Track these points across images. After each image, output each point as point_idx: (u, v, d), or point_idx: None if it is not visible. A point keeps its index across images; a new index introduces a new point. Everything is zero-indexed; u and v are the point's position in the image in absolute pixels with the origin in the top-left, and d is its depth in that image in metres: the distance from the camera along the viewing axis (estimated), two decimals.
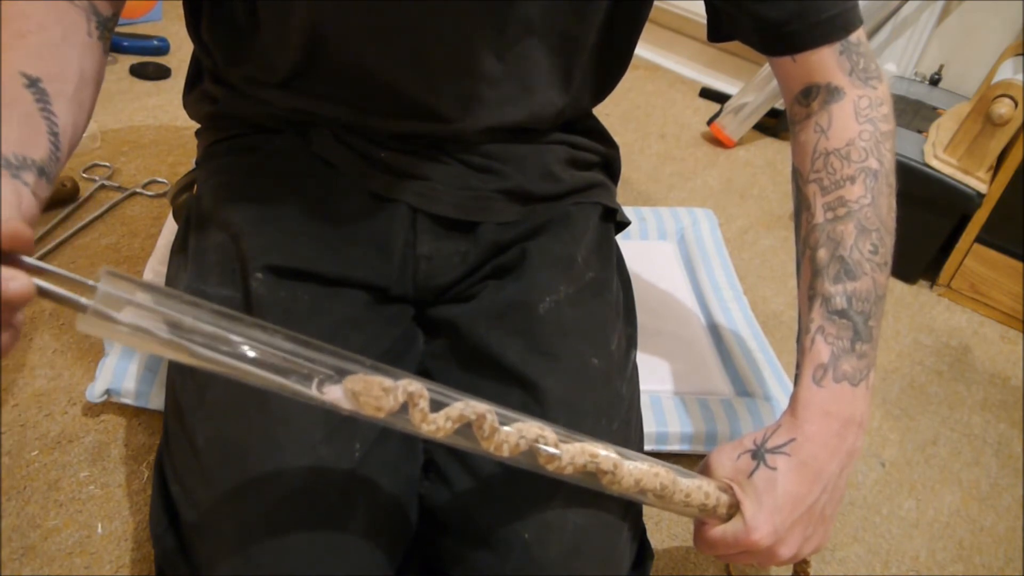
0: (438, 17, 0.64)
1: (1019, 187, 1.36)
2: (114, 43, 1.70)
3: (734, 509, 0.62)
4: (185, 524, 0.62)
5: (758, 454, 0.62)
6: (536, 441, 0.52)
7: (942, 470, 1.11)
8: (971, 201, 1.40)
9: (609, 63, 0.77)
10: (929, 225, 1.47)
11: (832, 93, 0.70)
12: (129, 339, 0.44)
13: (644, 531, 0.71)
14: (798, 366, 0.66)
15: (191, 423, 0.63)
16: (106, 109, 1.51)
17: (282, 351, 0.46)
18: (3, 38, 0.52)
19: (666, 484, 0.58)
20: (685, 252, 1.31)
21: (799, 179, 0.72)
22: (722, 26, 0.75)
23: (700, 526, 0.64)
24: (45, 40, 0.54)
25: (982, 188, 1.39)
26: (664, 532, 0.93)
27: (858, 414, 0.63)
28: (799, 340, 0.68)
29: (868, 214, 0.69)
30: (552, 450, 0.53)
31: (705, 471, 0.65)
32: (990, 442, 1.18)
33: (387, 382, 0.48)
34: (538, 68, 0.71)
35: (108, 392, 0.90)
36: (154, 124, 1.50)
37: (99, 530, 0.81)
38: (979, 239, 1.43)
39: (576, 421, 0.63)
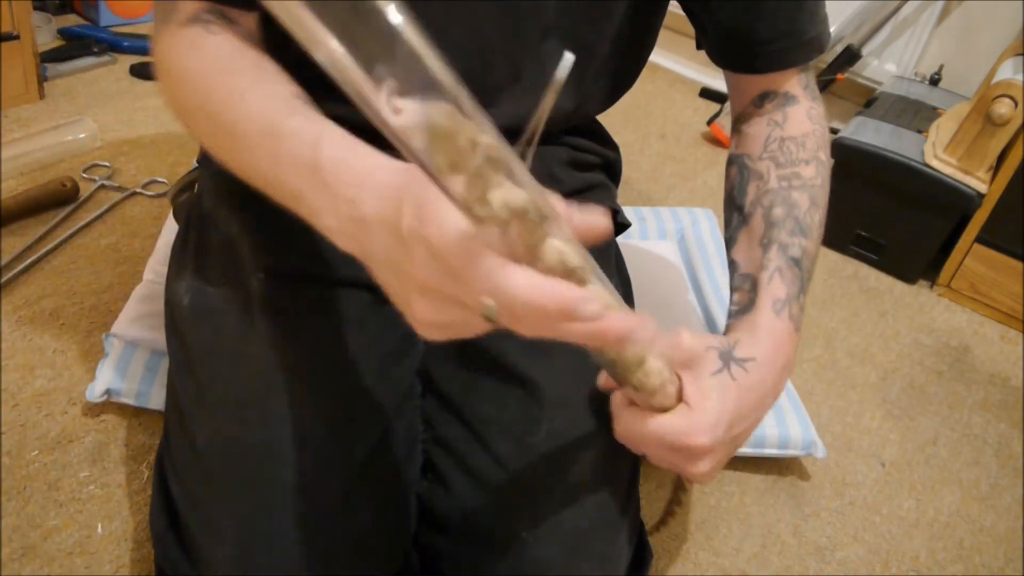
0: (456, 23, 0.64)
1: (1019, 187, 1.36)
2: (114, 43, 1.70)
3: (671, 402, 0.54)
4: (185, 524, 0.62)
5: (726, 356, 0.57)
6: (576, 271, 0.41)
7: (942, 470, 1.11)
8: (971, 201, 1.40)
9: (619, 73, 0.78)
10: (929, 225, 1.47)
11: (788, 99, 0.73)
12: None
13: (644, 531, 0.71)
14: (751, 298, 0.63)
15: (191, 423, 0.63)
16: (106, 109, 1.51)
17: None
18: (239, 84, 0.52)
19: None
20: (685, 252, 1.31)
21: (746, 159, 0.72)
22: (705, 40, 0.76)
23: (627, 408, 0.56)
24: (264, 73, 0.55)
25: (982, 188, 1.39)
26: (664, 532, 0.94)
27: (792, 359, 0.62)
28: (743, 279, 0.66)
29: (819, 194, 0.69)
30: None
31: (672, 343, 0.57)
32: (990, 442, 1.18)
33: (480, 136, 0.35)
34: (550, 74, 0.71)
35: (108, 392, 0.90)
36: (154, 124, 1.50)
37: (99, 530, 0.81)
38: (979, 239, 1.43)
39: (574, 419, 0.63)
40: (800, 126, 0.72)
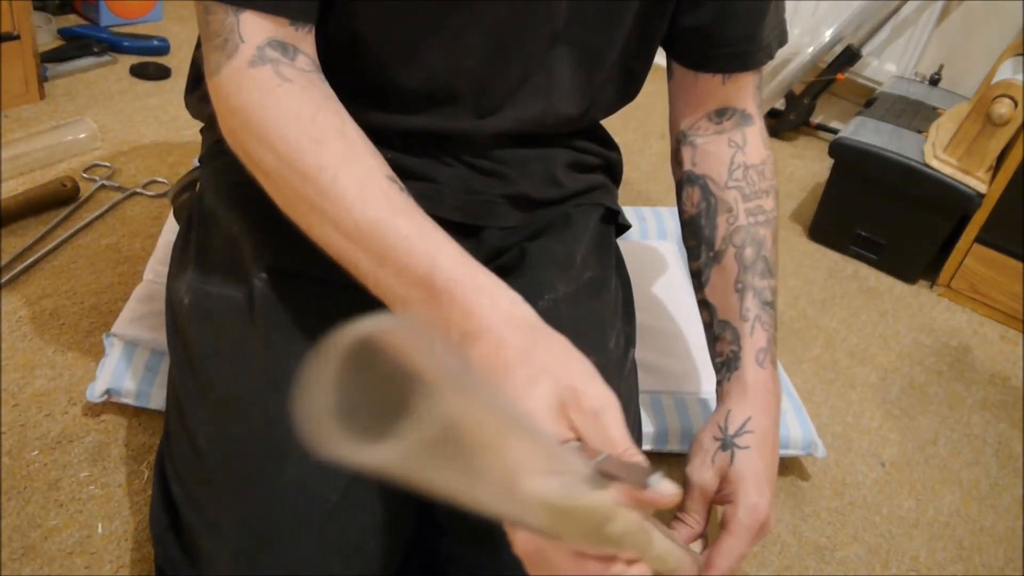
0: (470, 30, 0.64)
1: (1019, 187, 1.36)
2: (114, 43, 1.70)
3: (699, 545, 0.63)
4: (185, 524, 0.62)
5: (727, 443, 0.65)
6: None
7: (942, 470, 1.11)
8: (971, 201, 1.40)
9: (627, 79, 0.78)
10: (929, 225, 1.47)
11: (745, 118, 0.77)
12: None
13: None
14: (735, 352, 0.70)
15: (192, 423, 0.63)
16: (106, 109, 1.51)
17: None
18: (328, 160, 0.53)
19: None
20: (685, 252, 1.31)
21: (711, 185, 0.76)
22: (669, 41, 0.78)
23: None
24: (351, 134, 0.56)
25: (982, 188, 1.39)
26: None
27: (779, 395, 0.70)
28: (722, 326, 0.72)
29: (776, 227, 0.75)
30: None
31: (688, 488, 0.66)
32: (990, 442, 1.18)
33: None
34: (559, 80, 0.71)
35: (108, 392, 0.90)
36: (154, 124, 1.50)
37: (99, 530, 0.81)
38: (979, 239, 1.43)
39: None
40: (758, 151, 0.76)
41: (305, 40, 0.59)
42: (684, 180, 0.78)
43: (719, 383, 0.71)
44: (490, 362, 0.44)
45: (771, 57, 0.76)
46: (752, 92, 0.77)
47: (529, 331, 0.48)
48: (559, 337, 0.48)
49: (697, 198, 0.76)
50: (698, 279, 0.76)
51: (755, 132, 0.77)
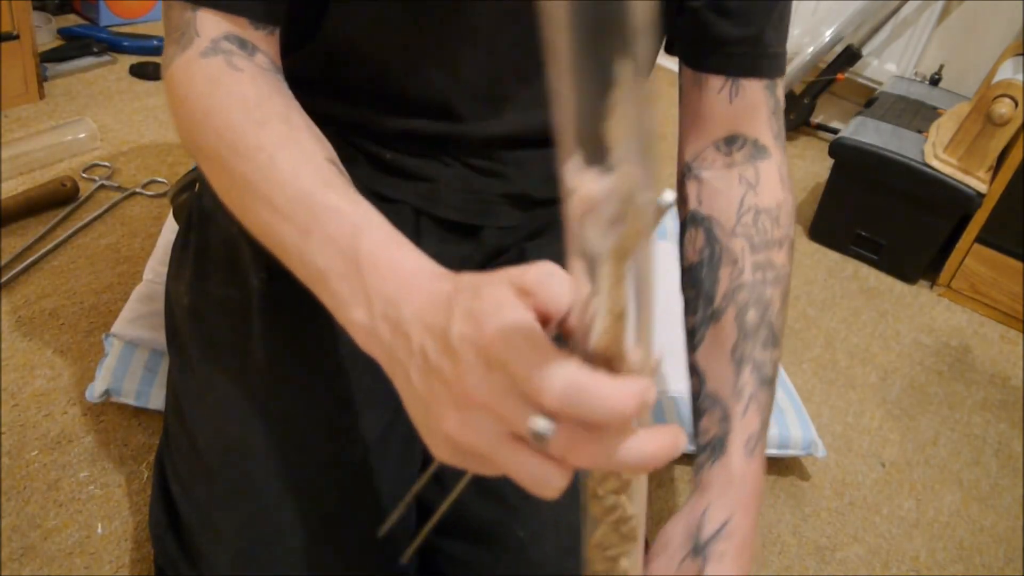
0: (471, 41, 0.64)
1: (1019, 187, 1.36)
2: (114, 43, 1.70)
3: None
4: (185, 524, 0.62)
5: (699, 549, 0.56)
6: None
7: (942, 470, 1.11)
8: (971, 201, 1.40)
9: None
10: (929, 225, 1.47)
11: (759, 150, 0.68)
12: None
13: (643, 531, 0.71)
14: (723, 432, 0.61)
15: (191, 423, 0.63)
16: (106, 109, 1.51)
17: None
18: (267, 140, 0.50)
19: None
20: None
21: (716, 229, 0.67)
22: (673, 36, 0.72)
23: None
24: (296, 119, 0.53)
25: (982, 188, 1.39)
26: None
27: (763, 487, 0.61)
28: (711, 401, 0.63)
29: (786, 285, 0.66)
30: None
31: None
32: (990, 442, 1.18)
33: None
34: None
35: (108, 392, 0.90)
36: (154, 124, 1.50)
37: (99, 530, 0.81)
38: (979, 239, 1.43)
39: None
40: (773, 193, 0.66)
41: (266, 41, 0.57)
42: (688, 220, 0.69)
43: (699, 466, 0.61)
44: (423, 319, 0.37)
45: (780, 73, 0.68)
46: (766, 118, 0.68)
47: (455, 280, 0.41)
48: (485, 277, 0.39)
49: (700, 243, 0.67)
50: (691, 338, 0.66)
51: (771, 169, 0.67)
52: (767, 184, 0.66)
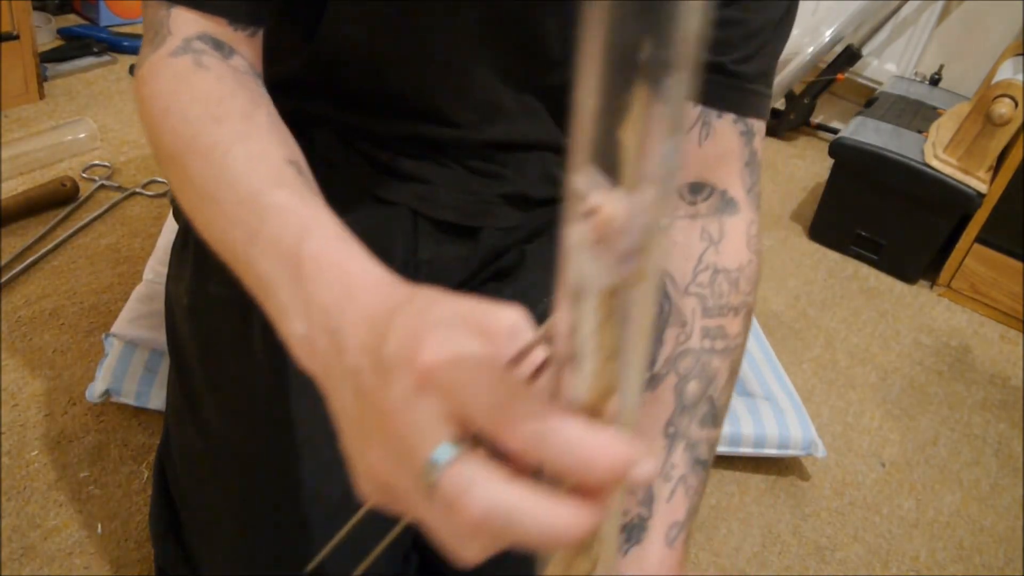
0: (469, 56, 0.64)
1: (1019, 187, 1.36)
2: (114, 43, 1.70)
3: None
4: (185, 524, 0.62)
5: None
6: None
7: (942, 470, 1.11)
8: (971, 201, 1.40)
9: None
10: (929, 225, 1.47)
11: (727, 203, 0.62)
12: None
13: None
14: (643, 517, 0.55)
15: (191, 423, 0.63)
16: (106, 109, 1.51)
17: None
18: (223, 137, 0.46)
19: None
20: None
21: (669, 284, 0.61)
22: None
23: None
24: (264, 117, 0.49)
25: (982, 188, 1.39)
26: None
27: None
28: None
29: (738, 358, 0.60)
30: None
31: None
32: (990, 442, 1.18)
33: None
34: (556, 100, 0.71)
35: (108, 392, 0.90)
36: None
37: (99, 530, 0.81)
38: (979, 239, 1.43)
39: None
40: (737, 253, 0.61)
41: (247, 43, 0.56)
42: None
43: None
44: (360, 332, 0.33)
45: (756, 113, 0.61)
46: (739, 169, 0.61)
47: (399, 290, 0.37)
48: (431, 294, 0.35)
49: None
50: None
51: (738, 226, 0.61)
52: (731, 242, 0.61)
